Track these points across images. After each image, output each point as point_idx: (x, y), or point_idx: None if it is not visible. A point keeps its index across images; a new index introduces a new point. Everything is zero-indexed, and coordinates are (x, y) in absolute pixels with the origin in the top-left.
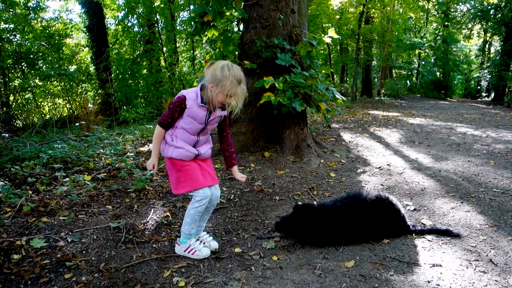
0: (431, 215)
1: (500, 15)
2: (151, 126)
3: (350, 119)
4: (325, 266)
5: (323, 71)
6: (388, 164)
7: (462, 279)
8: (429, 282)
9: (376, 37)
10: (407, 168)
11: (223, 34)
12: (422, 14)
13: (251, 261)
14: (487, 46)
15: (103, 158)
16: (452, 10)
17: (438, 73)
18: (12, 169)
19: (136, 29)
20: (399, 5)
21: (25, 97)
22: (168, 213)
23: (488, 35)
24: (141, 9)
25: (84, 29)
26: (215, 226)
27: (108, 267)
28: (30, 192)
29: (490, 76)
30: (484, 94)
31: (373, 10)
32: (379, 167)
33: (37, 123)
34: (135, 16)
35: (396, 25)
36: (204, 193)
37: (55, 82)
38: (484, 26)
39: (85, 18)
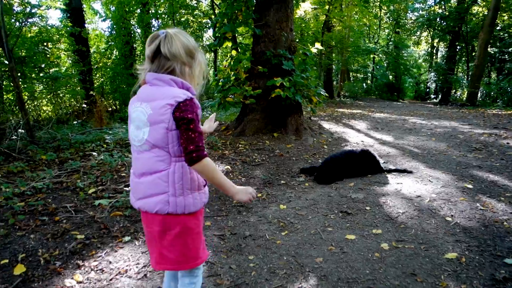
0: (395, 165)
1: (444, 24)
2: None
3: (323, 114)
4: (338, 186)
5: (312, 74)
6: (362, 141)
7: (414, 187)
8: (396, 189)
9: (334, 43)
10: (376, 143)
11: (239, 45)
12: (376, 21)
13: (293, 185)
14: (434, 51)
15: None
16: (403, 18)
17: (390, 77)
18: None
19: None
20: (355, 13)
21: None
22: (228, 166)
23: (435, 41)
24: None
25: (66, 35)
26: (262, 173)
27: (212, 189)
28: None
29: (436, 79)
30: (432, 96)
31: (334, 20)
32: (356, 143)
33: (53, 119)
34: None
35: (353, 32)
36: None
37: (40, 84)
38: (431, 33)
39: (67, 23)
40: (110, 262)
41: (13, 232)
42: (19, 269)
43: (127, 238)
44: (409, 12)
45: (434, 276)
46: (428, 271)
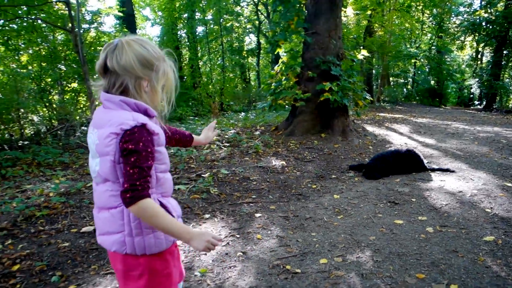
0: (437, 165)
1: (491, 28)
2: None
3: (365, 118)
4: (385, 181)
5: (359, 79)
6: (405, 143)
7: (457, 184)
8: (439, 185)
9: (376, 48)
10: (419, 146)
11: (290, 51)
12: (418, 25)
13: (344, 180)
14: (479, 56)
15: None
16: (446, 22)
17: (432, 82)
18: None
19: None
20: (397, 18)
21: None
22: (283, 162)
23: (481, 46)
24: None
25: None
26: (314, 168)
27: (272, 180)
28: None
29: (480, 85)
30: (476, 102)
31: (376, 25)
32: (400, 145)
33: None
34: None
35: (394, 36)
36: None
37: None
38: (476, 38)
39: (120, 29)
40: None
41: None
42: None
43: (207, 216)
44: (453, 16)
45: (473, 253)
46: (468, 250)
